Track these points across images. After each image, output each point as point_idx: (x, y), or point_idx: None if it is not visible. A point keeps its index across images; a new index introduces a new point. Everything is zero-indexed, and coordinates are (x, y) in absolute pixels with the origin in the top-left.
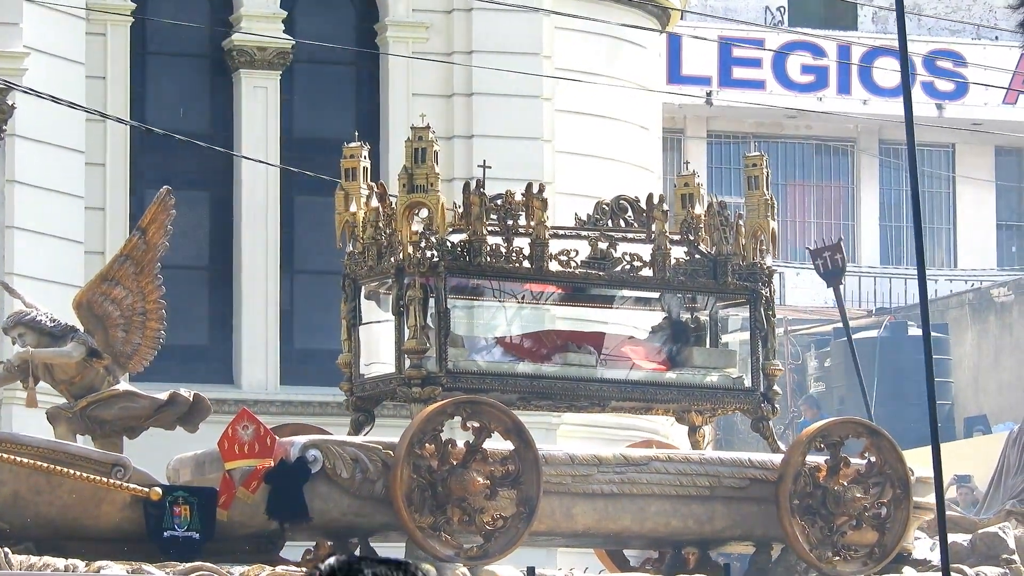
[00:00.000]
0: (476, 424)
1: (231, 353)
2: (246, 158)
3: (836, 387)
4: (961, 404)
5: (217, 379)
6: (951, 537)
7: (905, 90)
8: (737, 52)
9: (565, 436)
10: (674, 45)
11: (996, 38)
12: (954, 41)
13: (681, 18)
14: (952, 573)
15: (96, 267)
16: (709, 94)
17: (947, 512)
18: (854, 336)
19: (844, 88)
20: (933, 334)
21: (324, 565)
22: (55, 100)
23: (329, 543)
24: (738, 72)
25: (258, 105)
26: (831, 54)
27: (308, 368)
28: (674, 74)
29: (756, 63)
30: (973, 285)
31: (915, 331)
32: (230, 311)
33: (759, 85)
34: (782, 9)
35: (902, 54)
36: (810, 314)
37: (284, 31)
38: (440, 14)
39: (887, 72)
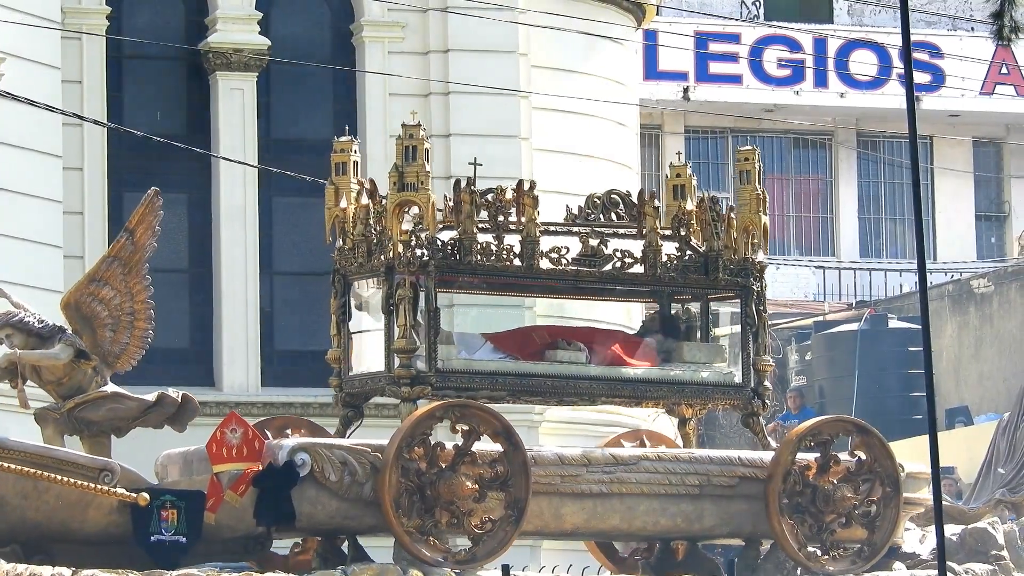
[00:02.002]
0: (465, 427)
1: (212, 355)
2: (224, 159)
3: (817, 380)
4: (942, 395)
5: (198, 381)
6: None
7: (908, 86)
8: (713, 47)
9: (548, 433)
10: (650, 41)
11: (972, 29)
12: (930, 33)
13: (657, 14)
14: None
15: (75, 271)
16: (686, 90)
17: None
18: (833, 330)
19: (821, 82)
20: (912, 326)
21: None
22: (31, 103)
23: (318, 538)
24: (715, 67)
25: (235, 107)
26: (807, 48)
27: (289, 369)
28: (651, 70)
29: (732, 58)
30: (953, 277)
31: (895, 324)
32: (210, 313)
33: (736, 80)
34: (757, 3)
35: (905, 52)
36: (791, 308)
37: (260, 32)
38: (416, 13)
39: (864, 65)
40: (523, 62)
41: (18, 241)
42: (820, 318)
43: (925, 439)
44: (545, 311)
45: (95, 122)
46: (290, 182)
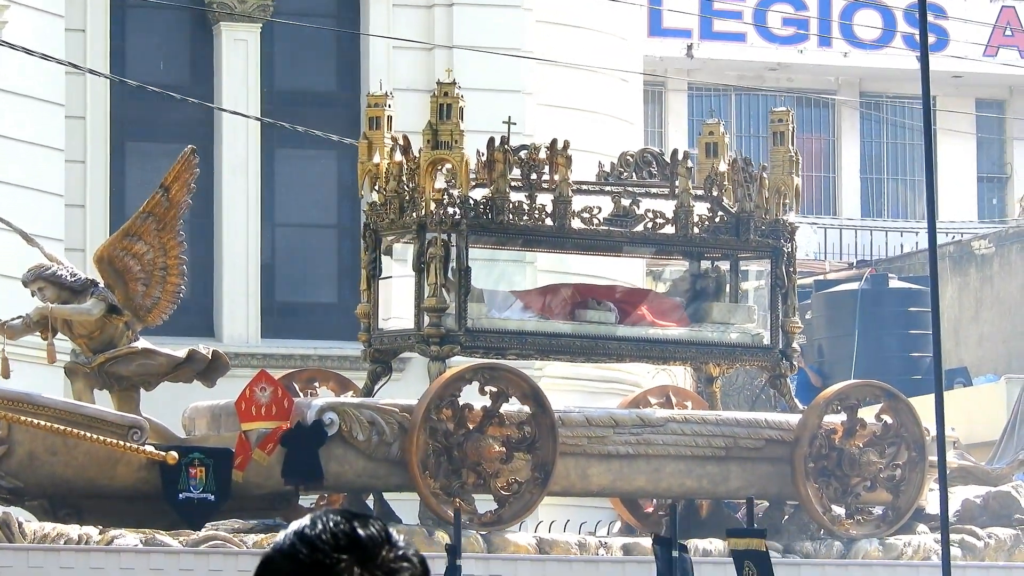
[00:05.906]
0: (494, 389)
1: (212, 306)
2: (226, 111)
3: (817, 339)
4: (942, 356)
5: (198, 332)
6: (966, 490)
7: (923, 50)
8: (718, 4)
9: (546, 388)
10: None
11: None
12: None
13: None
14: (964, 535)
15: (77, 220)
16: (690, 47)
17: (962, 462)
18: (833, 289)
19: (825, 41)
20: (913, 286)
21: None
22: (29, 52)
23: (343, 494)
24: (719, 25)
25: (239, 58)
26: (812, 7)
27: (289, 321)
28: (655, 27)
29: (737, 15)
30: (954, 237)
31: (896, 284)
32: (211, 264)
33: (740, 37)
34: None
35: (921, 16)
36: None
37: None
38: None
39: (867, 25)
40: (527, 17)
41: (20, 189)
42: (821, 277)
43: (924, 399)
44: (546, 266)
45: (91, 72)
46: (292, 134)
